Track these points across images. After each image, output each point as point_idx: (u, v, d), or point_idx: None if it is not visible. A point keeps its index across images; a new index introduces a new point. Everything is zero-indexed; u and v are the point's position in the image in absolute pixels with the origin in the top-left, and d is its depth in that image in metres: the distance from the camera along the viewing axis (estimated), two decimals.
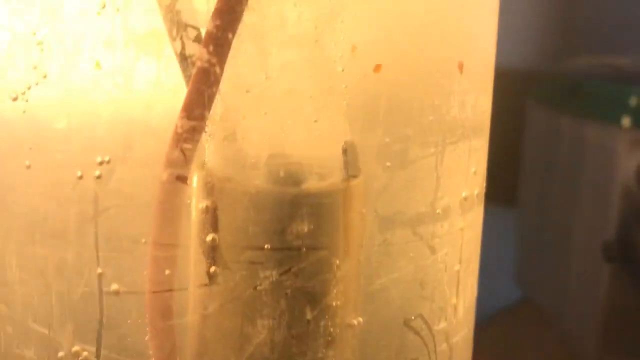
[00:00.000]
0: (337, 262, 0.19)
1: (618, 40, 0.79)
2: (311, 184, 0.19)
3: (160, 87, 0.18)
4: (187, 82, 0.18)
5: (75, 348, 0.20)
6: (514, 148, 0.73)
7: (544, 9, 0.80)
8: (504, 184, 0.76)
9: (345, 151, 0.19)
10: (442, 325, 0.22)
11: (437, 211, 0.21)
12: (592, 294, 0.62)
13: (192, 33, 0.18)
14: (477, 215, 0.24)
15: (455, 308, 0.23)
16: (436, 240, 0.21)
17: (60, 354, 0.20)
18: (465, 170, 0.22)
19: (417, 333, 0.22)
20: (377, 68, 0.19)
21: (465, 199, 0.22)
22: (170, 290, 0.19)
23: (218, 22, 0.17)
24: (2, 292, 0.21)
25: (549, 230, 0.70)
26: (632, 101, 0.59)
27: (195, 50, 0.18)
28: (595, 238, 0.61)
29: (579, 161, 0.64)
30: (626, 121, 0.59)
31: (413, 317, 0.21)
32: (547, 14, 0.81)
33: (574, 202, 0.65)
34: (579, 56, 0.72)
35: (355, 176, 0.20)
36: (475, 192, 0.23)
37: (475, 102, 0.22)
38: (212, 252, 0.19)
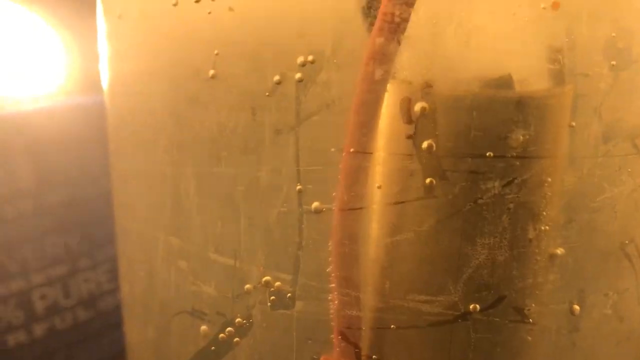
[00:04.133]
0: (562, 173, 0.17)
1: None
2: (534, 87, 0.17)
3: None
4: None
5: (266, 278, 0.18)
6: None
7: None
8: None
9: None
10: None
11: None
12: None
13: None
14: None
15: None
16: None
17: (247, 286, 0.18)
18: None
19: (629, 260, 0.19)
20: (555, 5, 0.17)
21: None
22: (361, 208, 0.17)
23: None
24: (174, 224, 0.19)
25: None
26: None
27: None
28: None
29: None
30: None
31: (627, 242, 0.19)
32: None
33: None
34: None
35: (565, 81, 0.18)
36: None
37: None
38: (429, 161, 0.17)
